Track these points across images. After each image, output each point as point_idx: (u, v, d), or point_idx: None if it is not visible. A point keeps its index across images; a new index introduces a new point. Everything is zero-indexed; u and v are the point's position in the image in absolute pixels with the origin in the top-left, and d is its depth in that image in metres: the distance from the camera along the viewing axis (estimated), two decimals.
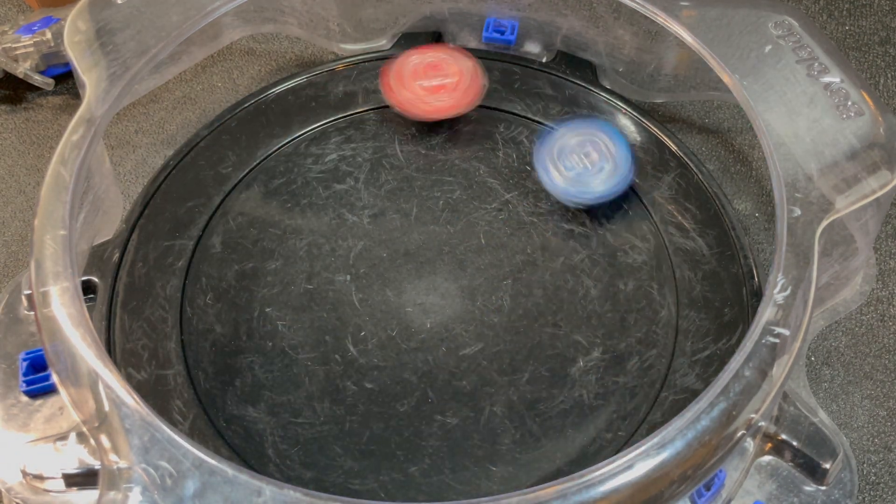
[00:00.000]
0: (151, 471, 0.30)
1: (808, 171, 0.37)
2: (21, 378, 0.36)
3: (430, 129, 0.45)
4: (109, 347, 0.39)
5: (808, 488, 0.35)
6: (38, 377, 0.36)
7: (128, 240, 0.42)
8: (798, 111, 0.39)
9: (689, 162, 0.44)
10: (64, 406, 0.34)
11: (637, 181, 0.43)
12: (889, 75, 0.51)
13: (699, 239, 0.42)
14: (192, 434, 0.36)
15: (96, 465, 0.32)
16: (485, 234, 0.42)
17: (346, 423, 0.37)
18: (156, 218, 0.43)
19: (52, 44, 0.49)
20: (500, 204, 0.43)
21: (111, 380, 0.31)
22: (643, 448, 0.30)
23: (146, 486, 0.29)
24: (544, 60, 0.48)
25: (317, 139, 0.45)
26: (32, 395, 0.36)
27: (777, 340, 0.33)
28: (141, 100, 0.50)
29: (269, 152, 0.45)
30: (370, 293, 0.40)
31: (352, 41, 0.50)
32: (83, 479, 0.33)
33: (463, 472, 0.36)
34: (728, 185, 0.47)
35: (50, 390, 0.35)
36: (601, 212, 0.42)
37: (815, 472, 0.35)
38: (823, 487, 0.35)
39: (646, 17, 0.43)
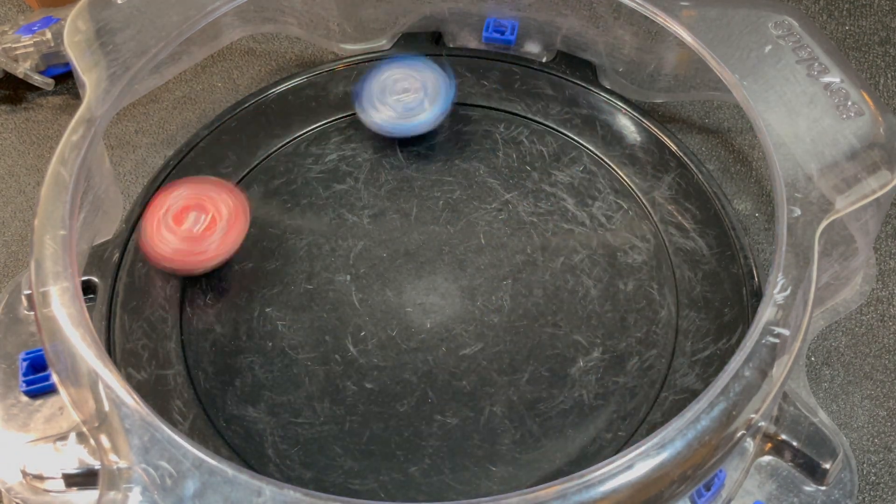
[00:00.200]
0: (151, 471, 0.30)
1: (808, 171, 0.37)
2: (21, 378, 0.36)
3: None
4: (109, 347, 0.38)
5: (808, 488, 0.35)
6: (38, 377, 0.36)
7: (128, 240, 0.42)
8: (798, 111, 0.39)
9: (689, 162, 0.44)
10: (64, 406, 0.34)
11: (637, 181, 0.43)
12: (889, 75, 0.51)
13: (699, 239, 0.42)
14: (192, 434, 0.36)
15: (96, 465, 0.32)
16: (485, 234, 0.42)
17: (346, 423, 0.37)
18: None
19: (52, 44, 0.49)
20: (500, 204, 0.43)
21: (111, 380, 0.31)
22: (643, 448, 0.30)
23: (146, 486, 0.29)
24: (544, 60, 0.48)
25: (317, 139, 0.45)
26: (32, 395, 0.36)
27: (777, 340, 0.33)
28: (141, 100, 0.50)
29: (269, 152, 0.45)
30: (370, 293, 0.40)
31: (352, 41, 0.50)
32: (83, 479, 0.33)
33: (463, 472, 0.36)
34: (728, 185, 0.47)
35: (50, 390, 0.35)
36: (601, 212, 0.43)
37: (815, 473, 0.35)
38: (823, 487, 0.35)
39: (646, 17, 0.43)
